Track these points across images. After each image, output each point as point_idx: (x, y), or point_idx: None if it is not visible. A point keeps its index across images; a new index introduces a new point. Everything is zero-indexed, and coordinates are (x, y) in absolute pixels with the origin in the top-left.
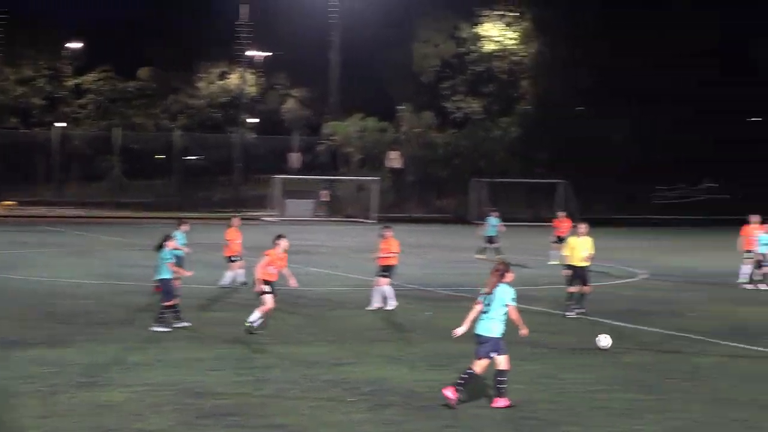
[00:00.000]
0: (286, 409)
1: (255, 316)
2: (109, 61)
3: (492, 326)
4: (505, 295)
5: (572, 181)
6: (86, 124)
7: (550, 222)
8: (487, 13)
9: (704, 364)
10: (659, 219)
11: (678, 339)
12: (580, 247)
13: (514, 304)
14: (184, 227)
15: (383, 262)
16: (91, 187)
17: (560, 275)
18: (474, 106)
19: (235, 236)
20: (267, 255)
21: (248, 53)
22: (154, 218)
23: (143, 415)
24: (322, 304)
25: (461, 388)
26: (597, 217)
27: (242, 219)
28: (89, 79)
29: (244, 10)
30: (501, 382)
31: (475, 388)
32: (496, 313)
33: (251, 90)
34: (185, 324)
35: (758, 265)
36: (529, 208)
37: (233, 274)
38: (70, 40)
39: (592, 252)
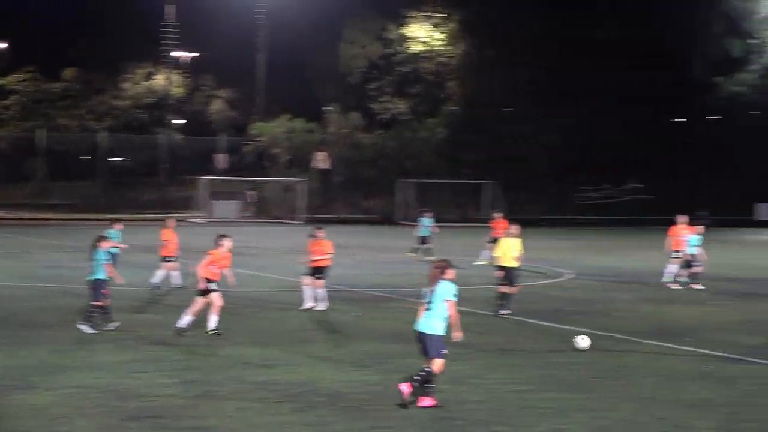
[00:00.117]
0: (214, 411)
1: (213, 321)
2: (33, 62)
3: (434, 323)
4: (446, 292)
5: (499, 181)
6: (10, 126)
7: (478, 222)
8: (413, 14)
9: (630, 364)
10: (585, 219)
11: (604, 338)
12: (511, 248)
13: (455, 299)
14: (118, 226)
15: (317, 263)
16: (15, 189)
17: (490, 275)
18: (401, 107)
19: (171, 236)
20: (210, 254)
21: (174, 54)
22: (80, 220)
23: (69, 418)
24: (250, 305)
25: (417, 384)
26: (523, 217)
27: (164, 220)
28: (13, 80)
29: (170, 11)
30: (422, 378)
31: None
32: (437, 309)
33: (177, 91)
34: (115, 325)
35: (687, 265)
36: (457, 209)
37: (165, 274)
38: None
39: (522, 252)
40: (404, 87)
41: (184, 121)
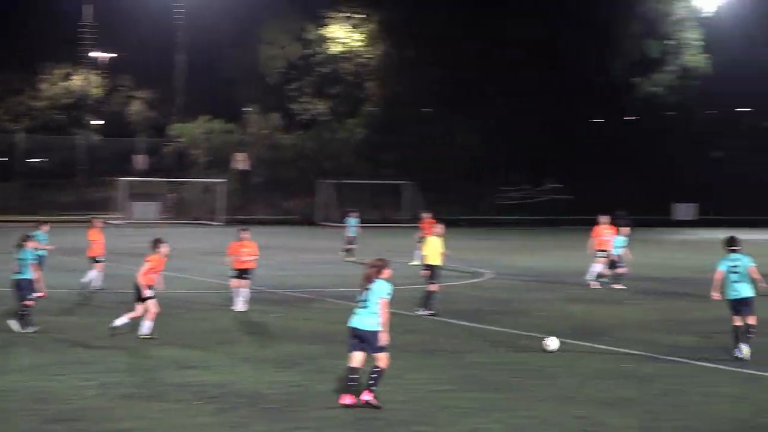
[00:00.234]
0: (133, 414)
1: (147, 326)
2: None
3: (371, 320)
4: (381, 290)
5: (419, 182)
6: None
7: (397, 223)
8: (333, 15)
9: (549, 363)
10: (504, 220)
11: (524, 338)
12: (436, 247)
13: (388, 298)
14: (45, 228)
15: (242, 264)
16: None
17: (415, 275)
18: (320, 107)
19: (97, 237)
20: (149, 261)
21: (92, 54)
22: None
23: None
24: (171, 307)
25: (373, 385)
26: (442, 217)
27: (90, 221)
28: None
29: (87, 11)
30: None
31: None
32: (372, 307)
33: (96, 91)
34: (34, 329)
35: (612, 265)
36: (376, 209)
37: (97, 274)
38: None
39: (445, 252)
40: (324, 88)
41: (103, 122)
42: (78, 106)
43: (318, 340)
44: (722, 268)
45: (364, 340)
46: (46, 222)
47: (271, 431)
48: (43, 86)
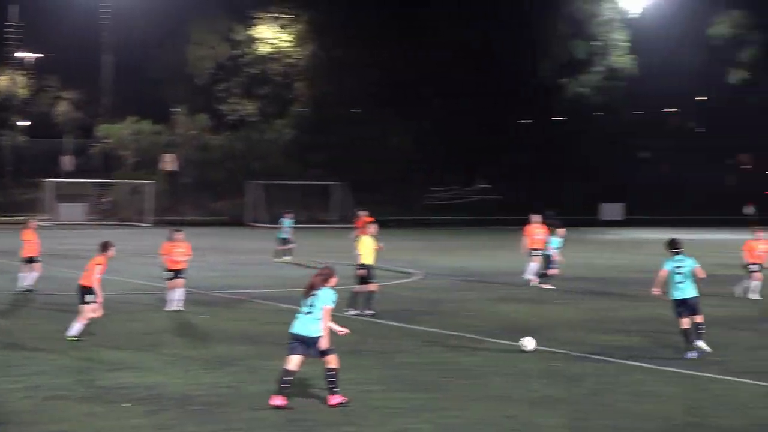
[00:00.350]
0: (61, 416)
1: (76, 328)
2: None
3: (315, 326)
4: (326, 298)
5: (349, 182)
6: None
7: (327, 224)
8: (261, 15)
9: (479, 363)
10: (433, 220)
11: (454, 338)
12: (371, 246)
13: (332, 306)
14: None
15: (177, 264)
16: None
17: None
18: (249, 108)
19: (32, 237)
20: (99, 263)
21: (18, 54)
22: None
23: None
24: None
25: (334, 387)
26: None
27: (19, 223)
28: None
29: (13, 11)
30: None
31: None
32: (318, 314)
33: (22, 92)
34: None
35: (546, 264)
36: (305, 210)
37: (36, 275)
38: None
39: (380, 246)
40: (252, 88)
41: (29, 123)
42: (4, 107)
43: (247, 341)
44: (667, 268)
45: (310, 345)
46: None
47: None
48: None
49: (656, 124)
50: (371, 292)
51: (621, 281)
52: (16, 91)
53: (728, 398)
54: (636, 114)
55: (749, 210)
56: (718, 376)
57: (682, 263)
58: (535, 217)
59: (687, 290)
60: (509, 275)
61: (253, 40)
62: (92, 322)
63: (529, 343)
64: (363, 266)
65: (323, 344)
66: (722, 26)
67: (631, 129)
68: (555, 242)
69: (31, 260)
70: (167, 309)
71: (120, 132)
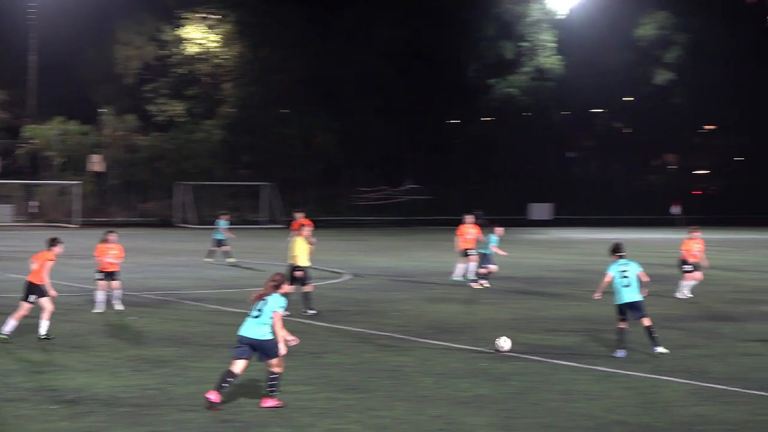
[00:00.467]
0: None
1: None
2: None
3: (264, 330)
4: (276, 303)
5: (277, 183)
6: None
7: (256, 225)
8: (188, 15)
9: (407, 363)
10: (362, 220)
11: (382, 338)
12: (305, 248)
13: (282, 311)
14: None
15: (110, 266)
16: None
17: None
18: (177, 108)
19: None
20: (50, 260)
21: None
22: None
23: None
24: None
25: (273, 391)
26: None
27: None
28: None
29: None
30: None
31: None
32: (266, 318)
33: None
34: None
35: (482, 263)
36: (234, 211)
37: None
38: None
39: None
40: (180, 89)
41: None
42: None
43: (176, 343)
44: (611, 272)
45: (257, 348)
46: None
47: None
48: None
49: (584, 124)
50: (308, 293)
51: (550, 281)
52: None
53: (654, 396)
54: (564, 114)
55: (676, 210)
56: (645, 375)
57: (626, 267)
58: (468, 217)
59: (632, 294)
60: (438, 275)
61: (180, 40)
62: (22, 322)
63: (505, 343)
64: (298, 268)
65: (282, 351)
66: (648, 27)
67: (559, 129)
68: (494, 240)
69: None
70: (95, 311)
71: (47, 133)
